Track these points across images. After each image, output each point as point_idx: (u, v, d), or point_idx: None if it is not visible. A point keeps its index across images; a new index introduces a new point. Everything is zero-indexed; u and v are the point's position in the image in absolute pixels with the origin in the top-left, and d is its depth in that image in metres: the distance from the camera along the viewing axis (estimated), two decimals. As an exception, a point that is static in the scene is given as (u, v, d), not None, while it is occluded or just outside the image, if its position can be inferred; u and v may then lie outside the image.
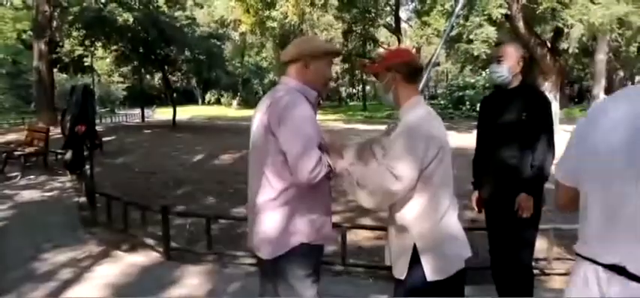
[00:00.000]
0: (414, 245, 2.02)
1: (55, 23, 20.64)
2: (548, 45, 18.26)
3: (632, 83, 53.05)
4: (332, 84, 58.07)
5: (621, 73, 45.52)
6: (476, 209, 3.17)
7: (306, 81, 2.16)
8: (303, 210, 2.11)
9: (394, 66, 2.16)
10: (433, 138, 1.99)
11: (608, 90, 40.09)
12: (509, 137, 2.91)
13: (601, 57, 30.80)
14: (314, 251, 2.17)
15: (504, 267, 3.18)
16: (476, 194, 3.16)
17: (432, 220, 2.01)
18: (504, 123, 2.94)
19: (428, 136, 1.98)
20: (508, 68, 2.89)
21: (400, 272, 2.09)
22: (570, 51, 19.15)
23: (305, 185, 2.02)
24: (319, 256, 2.26)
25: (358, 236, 5.03)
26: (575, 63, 40.26)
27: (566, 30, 17.27)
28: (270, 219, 2.11)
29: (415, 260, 2.03)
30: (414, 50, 34.40)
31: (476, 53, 17.56)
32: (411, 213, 2.03)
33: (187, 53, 20.74)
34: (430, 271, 2.00)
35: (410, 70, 2.16)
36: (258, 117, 2.14)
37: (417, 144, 1.96)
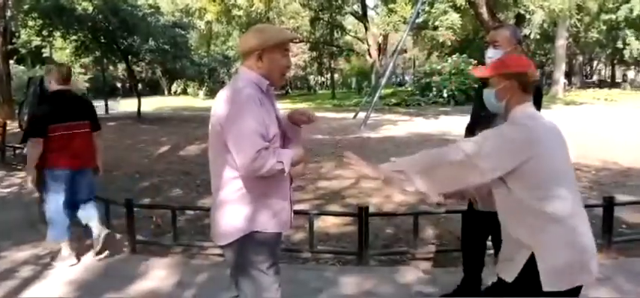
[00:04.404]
0: (532, 254, 1.97)
1: (9, 12, 19.77)
2: (511, 31, 18.75)
3: (591, 67, 54.91)
4: (300, 72, 57.90)
5: (580, 58, 47.08)
6: None
7: (261, 72, 2.16)
8: (257, 198, 2.14)
9: (515, 76, 2.09)
10: (531, 144, 1.95)
11: (568, 75, 41.42)
12: (493, 124, 2.89)
13: (561, 42, 31.78)
14: (270, 239, 2.21)
15: (477, 249, 3.27)
16: None
17: (554, 228, 1.96)
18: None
19: (525, 138, 1.96)
20: (503, 53, 2.86)
21: (508, 274, 2.05)
22: (532, 36, 19.71)
23: (249, 176, 2.05)
24: (276, 243, 2.30)
25: (326, 223, 5.06)
26: (537, 48, 41.33)
27: (527, 16, 17.74)
28: (224, 208, 2.16)
29: (529, 267, 1.97)
30: (380, 37, 34.68)
31: (441, 39, 17.87)
32: (526, 221, 1.99)
33: (151, 43, 20.21)
34: (549, 281, 1.94)
35: (529, 81, 2.10)
36: (214, 109, 2.15)
37: (504, 145, 1.96)
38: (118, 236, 4.68)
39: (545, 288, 1.94)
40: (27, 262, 4.27)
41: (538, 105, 2.84)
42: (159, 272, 3.98)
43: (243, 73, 2.19)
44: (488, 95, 2.17)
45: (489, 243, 3.30)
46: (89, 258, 4.33)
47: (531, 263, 1.96)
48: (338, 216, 5.15)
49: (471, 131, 3.15)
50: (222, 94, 2.14)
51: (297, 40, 35.71)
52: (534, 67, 2.19)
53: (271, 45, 2.14)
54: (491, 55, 2.91)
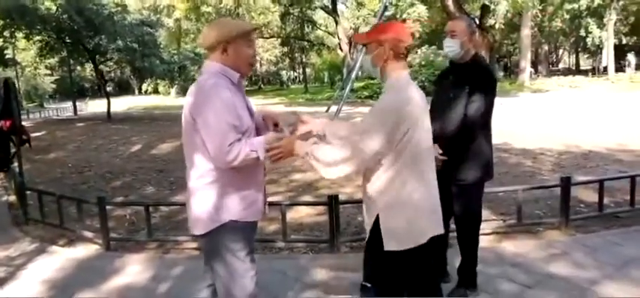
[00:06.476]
0: (377, 215, 2.15)
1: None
2: (477, 21, 19.13)
3: (556, 56, 56.32)
4: (272, 67, 57.65)
5: (545, 47, 48.22)
6: None
7: (228, 64, 2.19)
8: (232, 188, 2.18)
9: (387, 41, 2.14)
10: (405, 116, 2.03)
11: (534, 64, 42.42)
12: (452, 110, 3.00)
13: (526, 32, 32.52)
14: (245, 227, 2.26)
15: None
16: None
17: (397, 194, 2.09)
18: (450, 96, 3.04)
19: (400, 114, 2.02)
20: (460, 43, 2.98)
21: (367, 237, 2.24)
22: (497, 26, 20.13)
23: (224, 167, 2.10)
24: (252, 231, 2.36)
25: (299, 213, 5.16)
26: (503, 38, 42.21)
27: (492, 7, 18.13)
28: (199, 198, 2.19)
29: (377, 229, 2.16)
30: (351, 31, 34.83)
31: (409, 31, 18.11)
32: (377, 185, 2.13)
33: (118, 42, 19.88)
34: (388, 241, 2.12)
35: (402, 47, 2.15)
36: (185, 102, 2.20)
37: (387, 121, 2.02)
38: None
39: (386, 248, 2.12)
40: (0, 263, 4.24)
41: (490, 90, 3.01)
42: (134, 268, 4.01)
43: (210, 66, 2.21)
44: (366, 60, 2.24)
45: (453, 226, 3.42)
46: (63, 257, 4.33)
47: (377, 223, 2.15)
48: (310, 206, 5.25)
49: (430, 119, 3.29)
50: (192, 88, 2.17)
51: (268, 35, 35.57)
52: (410, 36, 2.23)
53: (235, 36, 2.17)
54: (449, 44, 3.04)
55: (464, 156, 3.01)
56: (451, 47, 3.02)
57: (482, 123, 2.99)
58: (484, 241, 4.16)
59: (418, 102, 2.11)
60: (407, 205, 2.11)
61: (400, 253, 2.13)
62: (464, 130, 2.95)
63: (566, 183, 4.37)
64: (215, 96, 2.07)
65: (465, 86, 2.96)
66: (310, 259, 4.06)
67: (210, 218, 2.18)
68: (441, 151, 3.03)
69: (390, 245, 2.12)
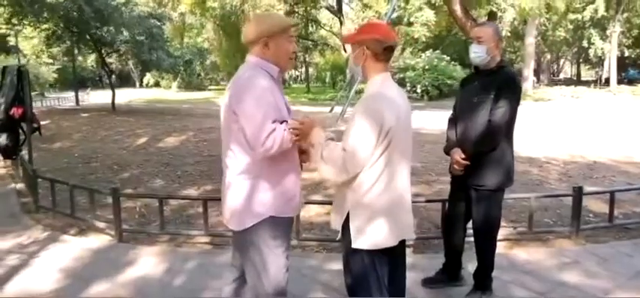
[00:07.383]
0: (348, 213, 2.20)
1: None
2: (483, 28, 19.19)
3: (558, 66, 56.43)
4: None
5: (548, 56, 48.32)
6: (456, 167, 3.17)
7: (269, 58, 2.21)
8: (272, 183, 2.19)
9: (365, 41, 2.18)
10: (383, 124, 2.07)
11: (536, 72, 42.46)
12: (476, 115, 3.03)
13: (530, 40, 32.59)
14: (283, 223, 2.27)
15: (458, 235, 3.43)
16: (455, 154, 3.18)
17: (368, 194, 2.13)
18: (474, 102, 3.06)
19: (381, 125, 2.06)
20: (487, 49, 3.00)
21: (336, 226, 2.32)
22: (503, 34, 20.19)
23: (260, 158, 2.11)
24: (290, 227, 2.38)
25: (310, 212, 5.18)
26: (508, 46, 42.26)
27: (499, 14, 18.19)
28: (239, 192, 2.19)
29: (347, 226, 2.22)
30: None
31: (416, 35, 18.15)
32: (350, 184, 2.17)
33: (125, 33, 19.86)
34: (357, 239, 2.18)
35: (380, 48, 2.17)
36: (225, 95, 2.22)
37: (371, 132, 2.06)
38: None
39: (354, 245, 2.18)
40: (11, 251, 4.25)
41: (515, 97, 3.05)
42: (148, 260, 4.03)
43: (252, 60, 2.23)
44: (350, 60, 2.31)
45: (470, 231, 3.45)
46: (76, 246, 4.35)
47: (347, 221, 2.21)
48: (320, 205, 5.27)
49: (453, 122, 3.33)
50: (231, 83, 2.20)
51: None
52: (390, 37, 2.24)
53: (277, 31, 2.20)
54: (476, 50, 3.05)
55: (486, 162, 3.04)
56: (477, 53, 3.04)
57: (505, 130, 3.02)
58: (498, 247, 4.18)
59: (393, 109, 2.13)
60: (377, 206, 2.15)
61: (368, 252, 2.18)
62: (487, 136, 2.98)
63: (578, 193, 4.40)
64: (253, 87, 2.10)
65: (491, 92, 2.98)
66: (324, 258, 4.09)
67: (253, 213, 2.18)
68: (463, 156, 3.07)
69: (358, 243, 2.17)
